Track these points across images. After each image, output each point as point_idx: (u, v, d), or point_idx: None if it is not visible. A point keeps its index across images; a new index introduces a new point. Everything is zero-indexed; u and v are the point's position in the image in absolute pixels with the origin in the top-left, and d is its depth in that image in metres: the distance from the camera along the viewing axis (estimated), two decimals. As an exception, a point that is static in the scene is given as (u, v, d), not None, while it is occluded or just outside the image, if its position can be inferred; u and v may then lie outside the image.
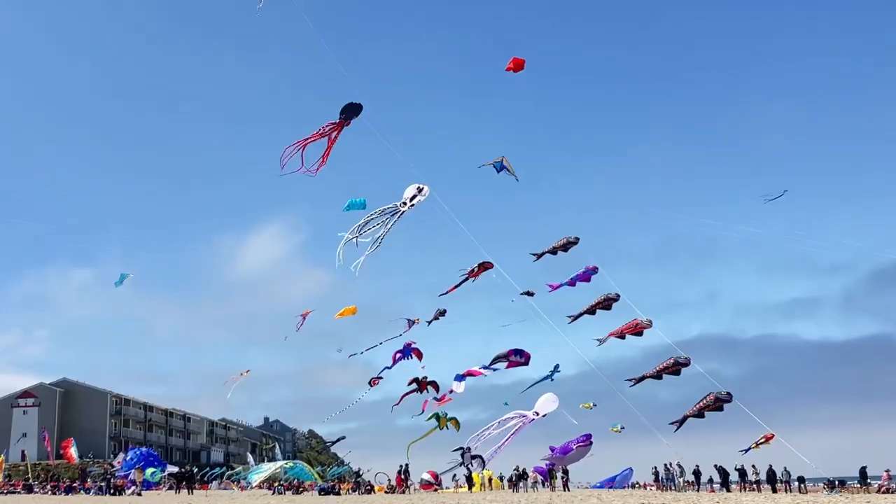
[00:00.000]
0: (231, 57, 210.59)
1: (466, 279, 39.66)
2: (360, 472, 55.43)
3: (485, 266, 39.06)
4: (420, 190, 34.55)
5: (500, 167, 34.74)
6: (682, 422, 34.78)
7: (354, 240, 33.73)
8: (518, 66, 33.52)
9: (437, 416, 45.48)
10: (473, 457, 42.89)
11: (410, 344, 44.18)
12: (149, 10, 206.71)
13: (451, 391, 44.98)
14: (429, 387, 44.20)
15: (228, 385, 56.85)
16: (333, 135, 31.88)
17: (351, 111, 31.74)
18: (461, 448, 43.20)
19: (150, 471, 47.86)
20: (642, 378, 35.67)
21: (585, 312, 37.53)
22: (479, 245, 37.94)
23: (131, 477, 49.10)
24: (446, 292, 40.49)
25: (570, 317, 38.18)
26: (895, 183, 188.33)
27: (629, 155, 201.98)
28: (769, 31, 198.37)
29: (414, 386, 44.22)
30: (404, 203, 34.48)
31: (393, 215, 34.35)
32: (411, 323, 44.51)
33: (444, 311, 43.62)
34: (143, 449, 52.42)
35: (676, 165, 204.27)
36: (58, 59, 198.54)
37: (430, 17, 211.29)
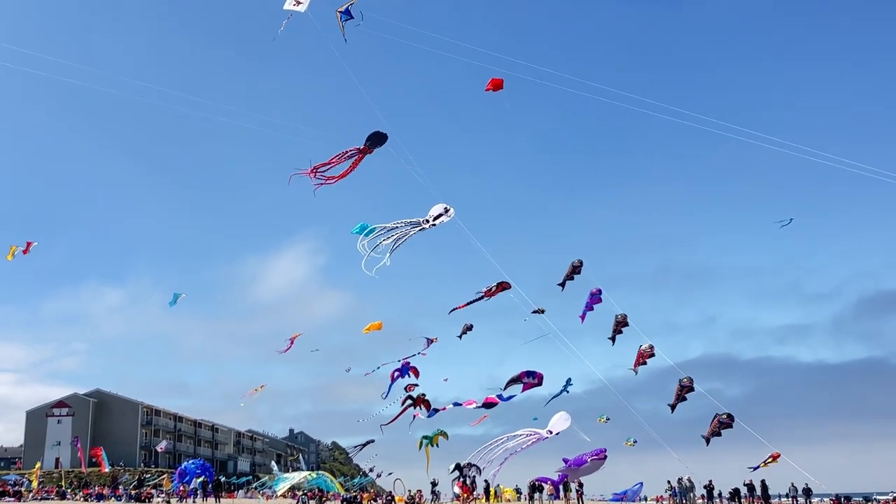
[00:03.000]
0: (259, 81, 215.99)
1: (482, 297, 40.84)
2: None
3: (502, 286, 40.25)
4: (446, 210, 35.41)
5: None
6: (708, 440, 36.37)
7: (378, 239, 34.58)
8: (497, 86, 34.31)
9: (427, 437, 46.54)
10: (470, 466, 44.22)
11: (408, 363, 45.42)
12: (177, 35, 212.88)
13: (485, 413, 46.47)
14: (422, 405, 45.03)
15: (245, 398, 59.22)
16: (354, 160, 33.13)
17: (377, 140, 32.86)
18: (457, 464, 44.51)
19: (197, 480, 49.86)
20: (674, 406, 37.22)
21: (616, 334, 39.25)
22: (497, 266, 39.13)
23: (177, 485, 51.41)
24: (456, 308, 41.64)
25: (610, 338, 39.86)
26: (876, 216, 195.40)
27: (632, 188, 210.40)
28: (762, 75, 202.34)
29: (409, 403, 45.08)
30: (427, 220, 35.44)
31: (414, 227, 35.27)
32: (430, 342, 45.85)
33: (472, 326, 44.84)
34: (205, 463, 54.69)
35: (673, 199, 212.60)
36: (92, 83, 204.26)
37: (451, 32, 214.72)
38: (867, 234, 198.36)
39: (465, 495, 47.18)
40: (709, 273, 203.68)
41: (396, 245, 34.45)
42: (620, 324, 38.24)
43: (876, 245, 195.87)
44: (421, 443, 47.39)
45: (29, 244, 41.80)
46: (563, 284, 40.53)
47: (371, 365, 51.52)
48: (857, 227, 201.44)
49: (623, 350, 38.91)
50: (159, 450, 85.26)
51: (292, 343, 49.63)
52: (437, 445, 47.36)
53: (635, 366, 37.95)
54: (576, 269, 39.73)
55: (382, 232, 34.35)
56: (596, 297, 39.38)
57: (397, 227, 34.58)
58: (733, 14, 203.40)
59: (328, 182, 32.81)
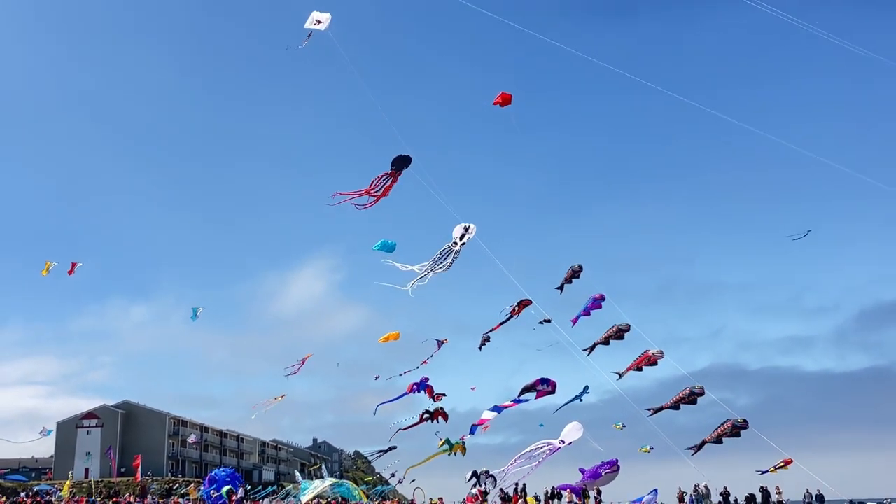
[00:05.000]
0: (279, 100, 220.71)
1: (510, 318, 41.98)
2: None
3: (524, 304, 41.33)
4: (467, 229, 36.69)
5: None
6: (699, 447, 36.80)
7: (423, 277, 36.04)
8: (506, 100, 35.03)
9: (448, 442, 47.29)
10: (487, 474, 45.10)
11: (426, 379, 46.50)
12: (199, 55, 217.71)
13: (486, 422, 47.27)
14: (439, 417, 46.04)
15: (263, 407, 60.55)
16: (388, 183, 34.48)
17: (401, 163, 34.18)
18: (474, 472, 45.34)
19: (226, 489, 51.06)
20: (661, 408, 37.71)
21: (600, 343, 39.77)
22: (518, 285, 40.04)
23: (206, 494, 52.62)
24: (492, 330, 43.03)
25: (585, 349, 40.43)
26: (871, 230, 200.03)
27: (638, 206, 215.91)
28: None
29: (427, 416, 46.09)
30: (455, 243, 36.69)
31: (448, 255, 36.56)
32: (440, 343, 46.97)
33: (489, 338, 46.00)
34: (234, 471, 55.98)
35: (678, 216, 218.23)
36: (116, 102, 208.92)
37: (465, 61, 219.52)
38: (863, 248, 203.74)
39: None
40: (711, 288, 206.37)
41: (433, 272, 35.82)
42: (622, 331, 38.79)
43: (872, 259, 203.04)
44: (444, 442, 48.20)
45: (74, 265, 43.46)
46: (561, 288, 41.49)
47: (391, 379, 52.72)
48: (853, 242, 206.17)
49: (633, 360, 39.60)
50: (190, 441, 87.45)
51: (303, 363, 51.09)
52: (454, 455, 48.18)
53: (626, 370, 38.38)
54: (575, 274, 40.59)
55: (428, 269, 35.80)
56: (597, 303, 40.00)
57: (437, 262, 35.94)
58: (734, 33, 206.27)
59: (369, 204, 34.33)
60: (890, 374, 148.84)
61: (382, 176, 33.99)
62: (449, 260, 35.91)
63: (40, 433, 76.14)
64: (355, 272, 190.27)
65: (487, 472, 45.55)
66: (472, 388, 52.55)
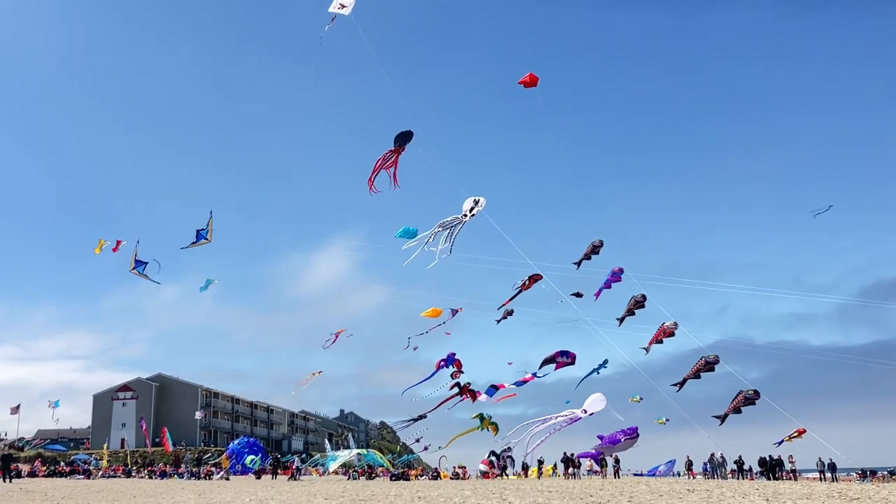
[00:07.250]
0: (306, 84, 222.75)
1: (520, 291, 43.14)
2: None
3: (534, 278, 42.48)
4: (477, 202, 38.10)
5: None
6: (724, 418, 38.04)
7: (424, 246, 37.54)
8: (533, 81, 35.50)
9: (481, 417, 48.54)
10: (509, 449, 46.64)
11: (453, 354, 47.69)
12: (230, 37, 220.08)
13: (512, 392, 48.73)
14: (467, 393, 47.16)
15: (302, 385, 62.36)
16: (393, 159, 35.69)
17: (403, 139, 35.46)
18: (492, 451, 46.83)
19: (249, 458, 52.33)
20: (684, 381, 38.94)
21: (627, 314, 40.97)
22: (528, 260, 41.32)
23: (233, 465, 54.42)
24: (503, 305, 44.25)
25: (618, 319, 41.64)
26: (868, 213, 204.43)
27: (646, 186, 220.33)
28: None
29: (456, 390, 47.49)
30: (464, 215, 38.11)
31: (455, 225, 38.04)
32: (454, 312, 48.27)
33: (512, 311, 47.21)
34: (250, 439, 57.58)
35: (682, 197, 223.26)
36: (144, 82, 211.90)
37: (482, 47, 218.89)
38: (862, 229, 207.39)
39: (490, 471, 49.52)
40: (716, 268, 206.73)
41: (452, 240, 37.28)
42: (639, 303, 39.95)
43: (871, 239, 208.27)
44: (476, 416, 49.45)
45: (119, 242, 44.97)
46: (578, 263, 42.50)
47: (409, 353, 54.18)
48: (852, 224, 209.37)
49: (649, 336, 40.67)
50: (197, 417, 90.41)
51: (336, 337, 52.58)
52: (486, 430, 49.56)
53: (650, 343, 39.66)
54: (595, 249, 41.58)
55: (429, 236, 37.24)
56: (616, 276, 41.09)
57: (441, 230, 37.36)
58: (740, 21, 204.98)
59: (394, 184, 35.62)
60: (893, 348, 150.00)
61: (386, 154, 35.13)
62: (456, 230, 37.19)
63: (48, 406, 79.57)
64: (377, 253, 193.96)
65: (508, 448, 46.98)
66: (510, 363, 53.95)
